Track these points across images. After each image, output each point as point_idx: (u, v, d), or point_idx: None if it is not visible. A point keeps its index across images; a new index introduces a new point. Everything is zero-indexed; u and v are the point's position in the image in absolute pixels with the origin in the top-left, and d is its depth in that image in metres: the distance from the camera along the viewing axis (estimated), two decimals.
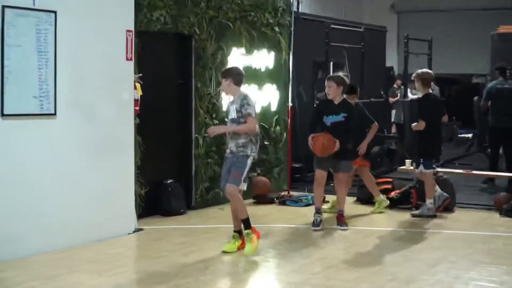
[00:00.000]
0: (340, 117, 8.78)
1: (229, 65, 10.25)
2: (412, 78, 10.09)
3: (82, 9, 7.81)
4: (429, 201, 9.72)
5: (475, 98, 15.00)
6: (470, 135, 18.54)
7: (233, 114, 7.58)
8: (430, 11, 22.42)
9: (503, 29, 18.84)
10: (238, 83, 7.66)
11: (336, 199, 9.45)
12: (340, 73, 9.42)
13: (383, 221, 9.65)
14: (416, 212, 9.80)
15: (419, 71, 9.75)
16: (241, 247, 7.49)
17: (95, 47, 7.99)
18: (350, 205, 10.23)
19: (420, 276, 6.81)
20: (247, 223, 7.42)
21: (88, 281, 6.48)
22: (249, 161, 7.49)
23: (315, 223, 8.80)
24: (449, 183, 10.56)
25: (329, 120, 8.80)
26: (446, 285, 6.51)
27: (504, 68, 12.93)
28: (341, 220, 8.99)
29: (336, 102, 8.85)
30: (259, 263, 7.24)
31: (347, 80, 9.17)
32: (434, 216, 9.63)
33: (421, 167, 9.64)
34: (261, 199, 10.72)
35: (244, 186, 7.58)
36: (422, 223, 9.48)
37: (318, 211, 8.92)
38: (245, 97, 7.56)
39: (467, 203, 10.85)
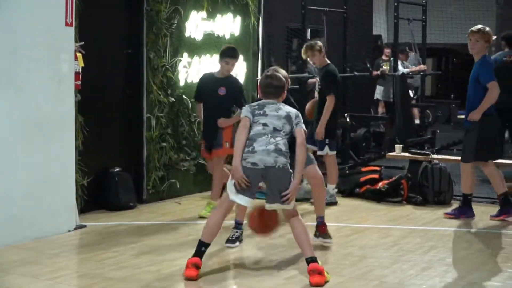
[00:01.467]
0: None
1: (188, 32, 10.38)
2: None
3: None
4: (331, 187, 10.05)
5: None
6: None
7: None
8: None
9: None
10: None
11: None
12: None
13: (368, 217, 9.77)
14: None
15: None
16: None
17: (29, 10, 7.96)
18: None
19: (410, 281, 6.87)
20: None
21: (25, 286, 6.50)
22: None
23: (230, 239, 8.12)
24: (445, 172, 10.73)
25: None
26: None
27: (511, 37, 13.07)
28: (322, 230, 8.24)
29: None
30: (222, 267, 7.30)
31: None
32: (335, 204, 9.94)
33: (327, 148, 10.00)
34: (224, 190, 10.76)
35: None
36: (412, 219, 9.65)
37: (237, 225, 8.22)
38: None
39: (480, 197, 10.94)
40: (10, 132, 7.84)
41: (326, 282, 6.56)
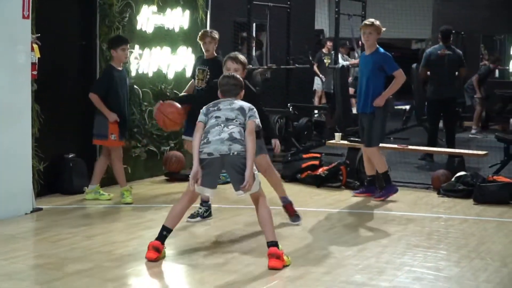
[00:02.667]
0: None
1: (139, 25, 10.39)
2: None
3: None
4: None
5: (414, 65, 15.31)
6: (407, 107, 18.96)
7: None
8: None
9: None
10: None
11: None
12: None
13: (308, 201, 9.84)
14: None
15: None
16: None
17: None
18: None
19: (347, 261, 6.93)
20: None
21: None
22: None
23: (193, 214, 8.42)
24: None
25: None
26: (376, 271, 6.61)
27: (449, 31, 13.25)
28: (291, 211, 8.46)
29: None
30: (170, 246, 7.28)
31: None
32: None
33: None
34: (174, 176, 10.90)
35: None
36: (350, 203, 9.76)
37: (202, 203, 8.51)
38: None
39: (402, 181, 11.09)
40: None
41: (286, 266, 6.60)
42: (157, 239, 6.82)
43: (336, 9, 14.89)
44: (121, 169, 9.46)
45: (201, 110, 7.08)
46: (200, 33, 9.76)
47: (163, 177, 10.70)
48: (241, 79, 7.28)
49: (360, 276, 6.44)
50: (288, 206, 8.40)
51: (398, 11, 21.70)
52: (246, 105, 6.95)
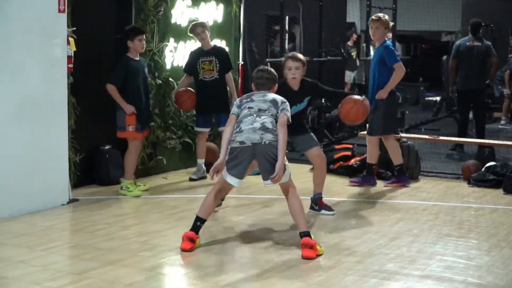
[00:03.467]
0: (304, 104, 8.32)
1: (174, 19, 10.37)
2: None
3: None
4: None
5: (444, 57, 15.21)
6: (438, 98, 18.83)
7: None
8: None
9: None
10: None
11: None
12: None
13: (339, 190, 9.80)
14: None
15: None
16: None
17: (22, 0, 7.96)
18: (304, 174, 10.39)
19: (379, 250, 6.89)
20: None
21: (18, 256, 6.48)
22: None
23: None
24: (413, 150, 10.76)
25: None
26: (408, 260, 6.58)
27: (478, 24, 13.14)
28: (321, 203, 8.46)
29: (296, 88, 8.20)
30: (204, 236, 7.27)
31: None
32: (204, 178, 9.91)
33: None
34: (209, 167, 10.72)
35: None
36: (381, 192, 9.69)
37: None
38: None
39: (433, 172, 11.09)
40: (7, 114, 7.83)
41: (319, 255, 6.58)
42: (191, 229, 6.79)
43: (368, 2, 14.81)
44: (133, 161, 9.32)
45: (234, 102, 7.12)
46: (190, 26, 9.89)
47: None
48: (274, 73, 7.27)
49: (392, 265, 6.40)
50: (319, 202, 8.39)
51: (428, 4, 21.53)
52: (279, 98, 6.95)
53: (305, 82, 8.19)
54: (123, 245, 6.89)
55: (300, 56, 8.12)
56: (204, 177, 9.88)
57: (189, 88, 10.03)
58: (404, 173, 10.03)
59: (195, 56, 9.94)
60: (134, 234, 7.35)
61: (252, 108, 6.84)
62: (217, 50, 10.09)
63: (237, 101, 7.09)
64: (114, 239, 7.12)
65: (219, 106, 9.98)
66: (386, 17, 9.85)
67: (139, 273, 6.04)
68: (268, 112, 6.80)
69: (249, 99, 6.95)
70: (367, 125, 10.01)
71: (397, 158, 9.95)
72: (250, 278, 6.01)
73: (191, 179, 10.10)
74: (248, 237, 7.36)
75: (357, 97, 8.45)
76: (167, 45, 10.38)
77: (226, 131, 6.81)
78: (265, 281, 5.92)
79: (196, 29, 9.87)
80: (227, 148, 6.74)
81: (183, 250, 6.68)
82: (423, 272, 6.23)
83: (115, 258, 6.45)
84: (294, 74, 7.98)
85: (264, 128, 6.65)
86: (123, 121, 9.10)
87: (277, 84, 7.24)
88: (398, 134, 10.26)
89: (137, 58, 9.27)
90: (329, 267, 6.29)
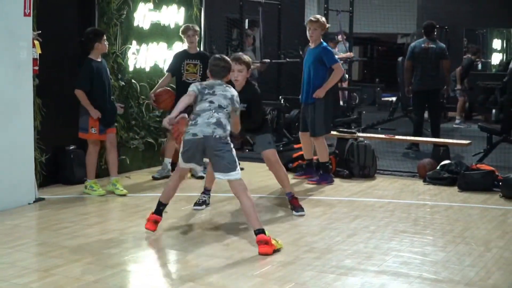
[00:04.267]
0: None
1: (136, 22, 10.38)
2: None
3: None
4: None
5: (399, 58, 15.35)
6: (393, 99, 18.97)
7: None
8: None
9: None
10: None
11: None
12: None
13: (298, 189, 9.79)
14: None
15: None
16: None
17: None
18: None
19: (337, 246, 6.94)
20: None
21: None
22: None
23: (197, 202, 8.57)
24: (370, 149, 10.86)
25: None
26: (365, 256, 6.63)
27: (432, 26, 13.30)
28: (297, 204, 8.41)
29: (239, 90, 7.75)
30: (168, 233, 7.37)
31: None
32: (167, 177, 9.79)
33: None
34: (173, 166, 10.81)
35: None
36: (339, 191, 9.78)
37: (205, 191, 8.62)
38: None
39: (389, 170, 11.20)
40: None
41: (277, 250, 6.65)
42: (154, 213, 7.29)
43: (325, 5, 14.91)
44: (94, 162, 9.29)
45: (194, 84, 7.18)
46: (182, 27, 9.88)
47: (160, 167, 10.63)
48: (230, 61, 7.39)
49: (350, 261, 6.46)
50: (293, 201, 8.41)
51: (384, 6, 21.69)
52: (236, 94, 7.13)
53: (248, 89, 8.04)
54: (87, 243, 6.88)
55: (245, 58, 7.98)
56: (168, 176, 9.91)
57: (169, 88, 10.10)
58: (329, 171, 10.22)
59: (180, 58, 9.97)
60: (98, 232, 7.33)
61: (213, 103, 6.93)
62: (202, 55, 10.13)
63: (197, 84, 7.16)
64: (78, 237, 7.12)
65: None
66: (323, 19, 9.97)
67: (104, 270, 6.05)
68: (226, 110, 6.95)
69: (211, 91, 7.02)
70: (306, 126, 10.09)
71: (324, 156, 10.10)
72: (212, 274, 6.04)
73: (154, 178, 10.14)
74: (209, 235, 7.41)
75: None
76: (129, 47, 10.39)
77: (184, 100, 6.98)
78: (226, 277, 5.97)
79: (188, 31, 9.89)
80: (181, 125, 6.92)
81: (148, 229, 7.21)
82: (380, 267, 6.29)
83: (80, 255, 6.45)
84: (236, 77, 7.86)
85: (218, 124, 6.82)
86: (86, 123, 9.06)
87: (229, 75, 7.39)
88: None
89: (99, 60, 9.24)
90: (288, 263, 6.33)
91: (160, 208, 7.28)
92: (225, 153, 6.81)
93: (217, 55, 7.45)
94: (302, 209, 8.32)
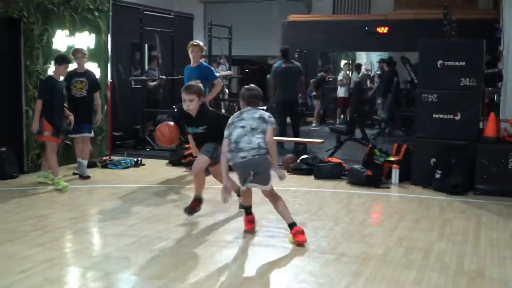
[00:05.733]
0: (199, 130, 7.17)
1: (55, 46, 10.15)
2: None
3: None
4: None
5: (268, 76, 15.52)
6: (264, 107, 19.20)
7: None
8: (230, 2, 22.90)
9: (292, 17, 19.71)
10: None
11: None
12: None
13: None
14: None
15: None
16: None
17: None
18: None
19: (216, 224, 7.03)
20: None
21: None
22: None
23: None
24: None
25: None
26: (239, 230, 6.69)
27: (286, 50, 13.49)
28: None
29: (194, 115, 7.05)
30: (86, 217, 7.27)
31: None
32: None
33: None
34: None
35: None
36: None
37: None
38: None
39: None
40: None
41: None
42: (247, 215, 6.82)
43: (209, 33, 15.01)
44: (54, 160, 8.96)
45: (226, 127, 6.36)
46: (71, 50, 9.80)
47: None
48: (260, 91, 6.60)
49: (229, 236, 6.54)
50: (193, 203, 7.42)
51: (257, 34, 21.99)
52: (265, 113, 6.38)
53: (204, 113, 7.06)
54: (17, 227, 6.71)
55: (194, 88, 6.93)
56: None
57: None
58: None
59: (70, 76, 9.66)
60: (26, 217, 7.14)
61: (244, 127, 6.26)
62: (88, 74, 9.93)
63: (229, 122, 6.37)
64: (8, 222, 6.94)
65: (85, 117, 9.68)
66: (202, 43, 9.97)
67: (31, 248, 5.92)
68: (259, 129, 6.24)
69: (239, 118, 6.33)
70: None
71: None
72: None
73: (74, 174, 9.92)
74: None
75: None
76: (49, 66, 10.12)
77: (224, 157, 6.30)
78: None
79: (77, 53, 9.70)
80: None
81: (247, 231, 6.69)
82: (253, 240, 6.39)
83: (11, 237, 6.31)
84: (188, 106, 6.90)
85: (259, 147, 6.18)
86: (42, 127, 8.77)
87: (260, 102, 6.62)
88: None
89: (59, 80, 8.98)
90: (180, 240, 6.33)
91: (247, 211, 6.80)
92: (268, 169, 6.32)
93: (249, 86, 6.61)
94: (192, 211, 7.30)
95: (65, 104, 9.21)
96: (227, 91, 16.30)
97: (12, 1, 9.40)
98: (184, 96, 6.90)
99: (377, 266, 5.58)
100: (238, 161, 6.25)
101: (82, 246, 6.17)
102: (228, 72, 16.84)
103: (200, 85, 7.05)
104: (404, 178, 9.53)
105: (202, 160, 7.09)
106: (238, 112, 6.50)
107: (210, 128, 7.00)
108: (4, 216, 7.22)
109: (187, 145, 11.43)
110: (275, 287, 5.14)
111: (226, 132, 6.30)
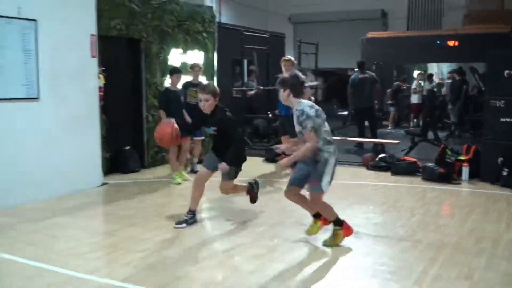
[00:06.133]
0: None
1: (170, 62, 10.29)
2: None
3: (56, 18, 7.66)
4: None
5: (348, 86, 15.29)
6: (346, 112, 18.98)
7: (297, 127, 5.30)
8: (316, 22, 22.73)
9: (370, 34, 19.33)
10: (297, 94, 5.32)
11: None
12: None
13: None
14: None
15: None
16: (324, 224, 5.77)
17: (67, 47, 7.85)
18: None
19: (308, 213, 6.88)
20: (336, 222, 5.60)
21: (67, 221, 6.47)
22: (328, 165, 5.32)
23: (180, 221, 6.27)
24: None
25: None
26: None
27: (362, 62, 13.24)
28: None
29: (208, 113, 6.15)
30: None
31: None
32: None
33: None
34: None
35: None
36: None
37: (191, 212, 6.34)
38: (301, 111, 5.21)
39: (343, 161, 10.98)
40: (58, 124, 7.79)
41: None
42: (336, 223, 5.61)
43: (298, 50, 14.95)
44: (173, 158, 8.83)
45: (310, 120, 5.16)
46: (191, 65, 9.68)
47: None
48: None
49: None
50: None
51: (339, 50, 21.73)
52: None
53: (216, 114, 6.09)
54: (138, 213, 6.81)
55: (210, 87, 6.07)
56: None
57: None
58: None
59: (185, 86, 9.82)
60: (147, 205, 7.23)
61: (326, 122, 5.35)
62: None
63: (311, 111, 5.18)
64: (132, 208, 7.04)
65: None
66: (292, 58, 9.75)
67: (148, 232, 5.99)
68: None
69: (318, 109, 5.28)
70: (285, 131, 9.46)
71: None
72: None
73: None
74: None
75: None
76: (165, 79, 10.28)
77: (313, 146, 5.19)
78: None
79: (195, 67, 9.77)
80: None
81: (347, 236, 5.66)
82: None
83: (134, 221, 6.41)
84: (203, 105, 6.02)
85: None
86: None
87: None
88: None
89: (174, 89, 8.93)
90: (275, 224, 6.23)
91: (339, 221, 5.56)
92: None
93: (295, 73, 5.43)
94: (180, 223, 6.23)
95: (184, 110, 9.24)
96: (313, 98, 16.14)
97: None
98: (200, 95, 6.02)
99: (450, 253, 5.32)
100: (336, 155, 5.33)
101: (195, 229, 6.19)
102: (314, 82, 16.68)
103: (215, 86, 6.26)
104: (473, 176, 9.12)
105: (226, 184, 6.26)
106: (309, 103, 5.31)
107: (219, 130, 6.09)
108: (127, 204, 7.36)
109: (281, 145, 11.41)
110: (360, 268, 4.99)
111: (313, 124, 5.14)
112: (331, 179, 5.36)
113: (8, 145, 7.11)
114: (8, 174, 7.08)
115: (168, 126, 6.60)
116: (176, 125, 6.57)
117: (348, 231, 5.64)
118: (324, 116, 5.30)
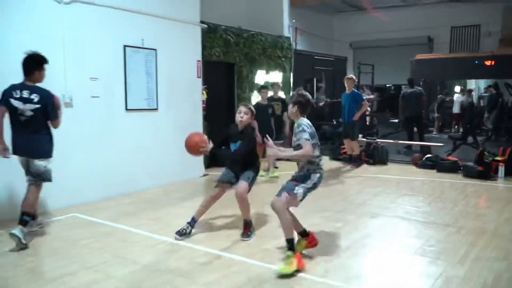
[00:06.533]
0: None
1: (256, 80, 10.36)
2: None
3: (171, 48, 7.88)
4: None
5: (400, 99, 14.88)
6: (397, 120, 18.50)
7: (294, 140, 4.44)
8: (373, 47, 22.26)
9: (418, 56, 18.75)
10: (303, 112, 4.49)
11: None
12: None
13: (344, 171, 9.55)
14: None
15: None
16: (309, 245, 4.64)
17: (179, 70, 8.06)
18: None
19: (368, 201, 6.81)
20: (290, 243, 4.30)
21: (175, 210, 6.52)
22: (311, 180, 4.39)
23: (181, 232, 5.23)
24: (384, 148, 10.53)
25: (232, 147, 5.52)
26: (384, 206, 6.49)
27: (411, 79, 12.90)
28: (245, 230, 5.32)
29: (240, 129, 5.40)
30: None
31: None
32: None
33: None
34: None
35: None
36: (366, 171, 9.43)
37: (191, 222, 5.33)
38: (299, 125, 4.42)
39: (395, 160, 10.76)
40: (171, 129, 7.96)
41: None
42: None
43: (358, 70, 14.71)
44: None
45: (306, 133, 4.34)
46: (271, 83, 9.48)
47: None
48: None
49: (376, 210, 6.24)
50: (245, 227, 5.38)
51: (392, 69, 21.19)
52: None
53: (246, 130, 5.33)
54: (230, 199, 6.58)
55: (251, 106, 5.40)
56: None
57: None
58: (361, 160, 9.81)
59: (269, 101, 9.72)
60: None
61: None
62: (281, 99, 9.95)
63: (307, 127, 4.38)
64: (226, 194, 6.91)
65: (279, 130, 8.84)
66: (353, 76, 9.62)
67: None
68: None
69: (314, 133, 4.45)
70: (347, 135, 9.65)
71: (357, 151, 9.69)
72: None
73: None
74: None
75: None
76: (252, 94, 10.36)
77: (308, 153, 4.28)
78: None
79: (275, 85, 9.76)
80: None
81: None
82: (393, 214, 6.10)
83: (228, 203, 6.22)
84: (242, 117, 5.27)
85: None
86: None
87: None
88: None
89: (264, 103, 8.46)
90: (338, 211, 6.14)
91: (292, 245, 4.29)
92: None
93: (300, 91, 4.55)
94: (247, 236, 5.23)
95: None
96: (369, 109, 15.82)
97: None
98: (241, 108, 5.31)
99: (489, 238, 5.09)
100: (321, 178, 4.43)
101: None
102: (371, 96, 16.33)
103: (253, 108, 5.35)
104: (509, 174, 8.66)
105: (243, 186, 5.17)
106: (308, 122, 4.45)
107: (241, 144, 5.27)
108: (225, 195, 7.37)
109: (343, 146, 11.27)
110: (411, 248, 4.85)
111: (311, 140, 4.31)
112: (307, 192, 4.36)
113: (133, 144, 7.35)
114: (132, 167, 7.33)
115: (197, 135, 5.54)
116: (205, 137, 5.41)
117: (300, 263, 4.24)
118: (317, 140, 4.42)
